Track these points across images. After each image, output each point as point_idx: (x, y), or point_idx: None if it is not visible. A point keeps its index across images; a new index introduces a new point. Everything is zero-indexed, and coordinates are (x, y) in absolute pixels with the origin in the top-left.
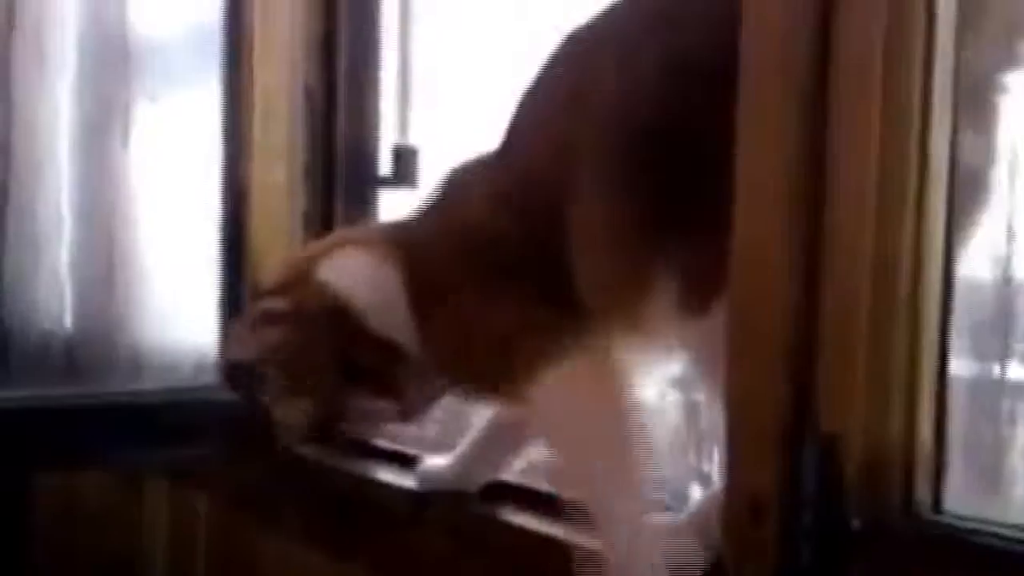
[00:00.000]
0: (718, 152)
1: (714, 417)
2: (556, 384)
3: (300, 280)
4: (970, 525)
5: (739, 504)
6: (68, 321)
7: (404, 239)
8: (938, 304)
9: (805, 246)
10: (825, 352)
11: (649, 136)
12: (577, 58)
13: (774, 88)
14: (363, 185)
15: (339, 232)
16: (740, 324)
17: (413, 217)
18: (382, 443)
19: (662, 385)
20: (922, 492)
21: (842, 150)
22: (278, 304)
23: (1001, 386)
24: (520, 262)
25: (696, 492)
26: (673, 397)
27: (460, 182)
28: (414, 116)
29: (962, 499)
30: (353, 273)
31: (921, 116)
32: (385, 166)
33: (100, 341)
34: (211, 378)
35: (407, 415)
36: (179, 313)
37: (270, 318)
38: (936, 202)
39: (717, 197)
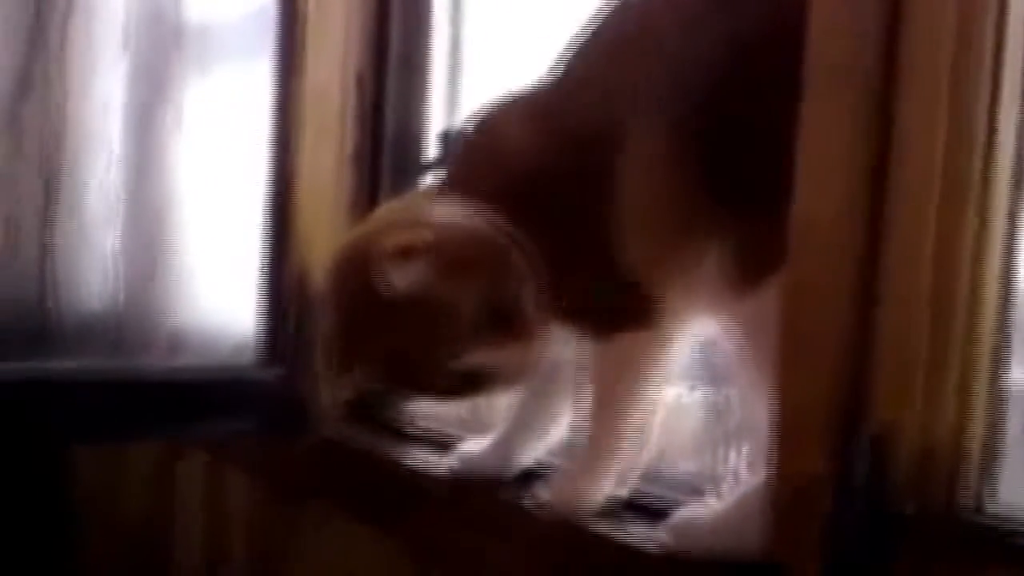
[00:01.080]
0: (774, 132)
1: (750, 409)
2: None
3: (414, 223)
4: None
5: (788, 491)
6: (116, 299)
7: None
8: (996, 303)
9: (866, 236)
10: (882, 342)
11: (708, 106)
12: (642, 16)
13: (841, 88)
14: (409, 169)
15: (403, 198)
16: (797, 310)
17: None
18: (418, 425)
19: (690, 379)
20: (973, 487)
21: (907, 147)
22: (419, 235)
23: None
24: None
25: (719, 490)
26: (701, 393)
27: (500, 123)
28: (463, 100)
29: (1015, 496)
30: (465, 214)
31: (988, 117)
32: (432, 151)
33: (146, 319)
34: (250, 357)
35: (527, 367)
36: (222, 294)
37: (408, 251)
38: (998, 205)
39: (772, 174)
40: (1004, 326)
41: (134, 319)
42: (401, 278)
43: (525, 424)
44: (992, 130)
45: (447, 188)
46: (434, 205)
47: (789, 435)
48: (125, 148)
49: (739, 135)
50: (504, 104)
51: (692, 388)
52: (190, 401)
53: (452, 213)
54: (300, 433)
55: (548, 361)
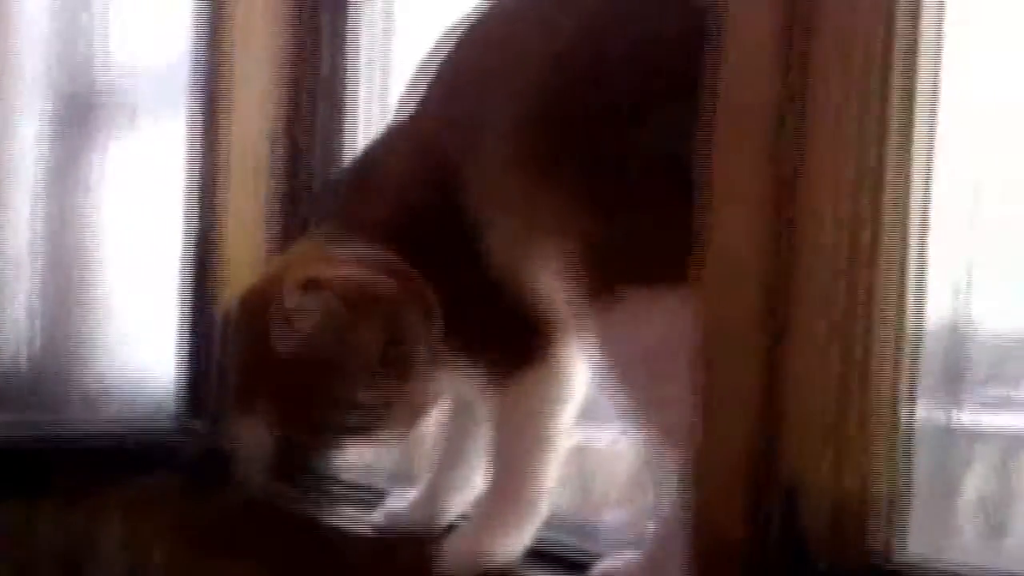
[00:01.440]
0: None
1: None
2: None
3: (315, 261)
4: (930, 570)
5: (706, 544)
6: (31, 352)
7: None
8: (902, 351)
9: (775, 282)
10: (790, 398)
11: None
12: (500, 42)
13: (750, 128)
14: None
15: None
16: (709, 364)
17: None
18: (344, 478)
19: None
20: (882, 537)
21: (814, 193)
22: (318, 271)
23: (953, 431)
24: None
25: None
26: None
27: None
28: None
29: (923, 544)
30: (364, 253)
31: (896, 159)
32: None
33: (63, 373)
34: (172, 412)
35: (419, 411)
36: (143, 348)
37: (307, 285)
38: (903, 248)
39: (626, 182)
40: (911, 373)
41: (50, 373)
42: (300, 313)
43: (448, 476)
44: (901, 173)
45: (343, 228)
46: (332, 246)
47: (705, 488)
48: (43, 200)
49: (584, 138)
50: (383, 137)
51: (625, 432)
52: (108, 458)
53: (351, 253)
54: (223, 490)
55: (440, 405)
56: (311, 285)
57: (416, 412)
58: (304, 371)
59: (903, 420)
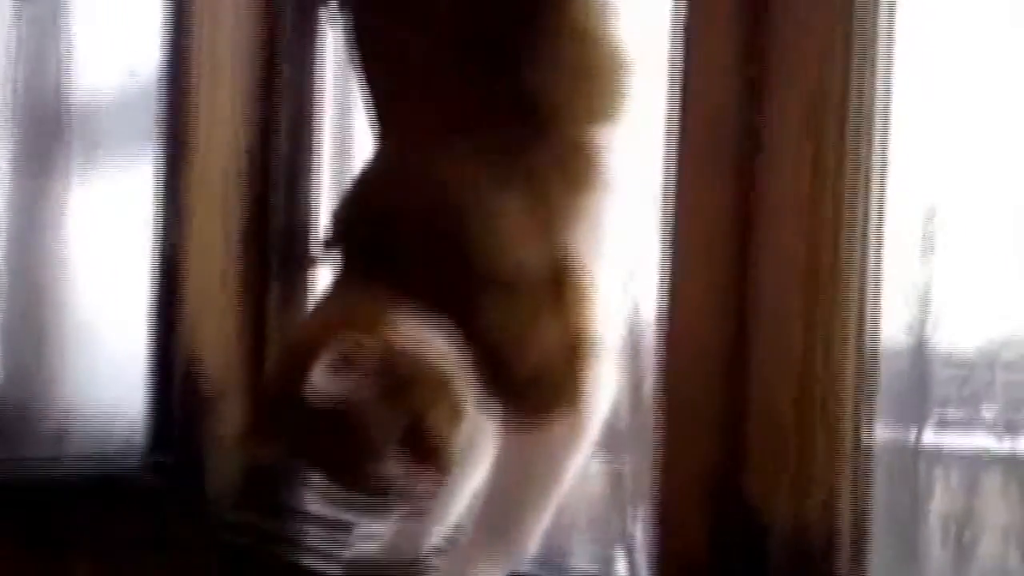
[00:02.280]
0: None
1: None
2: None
3: (355, 330)
4: None
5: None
6: None
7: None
8: (853, 393)
9: (734, 323)
10: (752, 427)
11: None
12: None
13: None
14: (298, 259)
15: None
16: (671, 403)
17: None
18: (316, 508)
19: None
20: (842, 560)
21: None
22: (360, 348)
23: (916, 452)
24: None
25: (622, 557)
26: (597, 464)
27: None
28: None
29: (883, 566)
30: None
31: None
32: (321, 237)
33: (28, 411)
34: (139, 447)
35: (434, 490)
36: (110, 388)
37: (347, 363)
38: (848, 306)
39: None
40: (866, 398)
41: (16, 409)
42: (332, 385)
43: (432, 512)
44: (855, 202)
45: (365, 280)
46: (366, 304)
47: (668, 517)
48: (8, 235)
49: None
50: (378, 180)
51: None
52: (75, 496)
53: (386, 320)
54: (191, 525)
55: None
56: (342, 361)
57: (426, 492)
58: (329, 428)
59: (863, 444)
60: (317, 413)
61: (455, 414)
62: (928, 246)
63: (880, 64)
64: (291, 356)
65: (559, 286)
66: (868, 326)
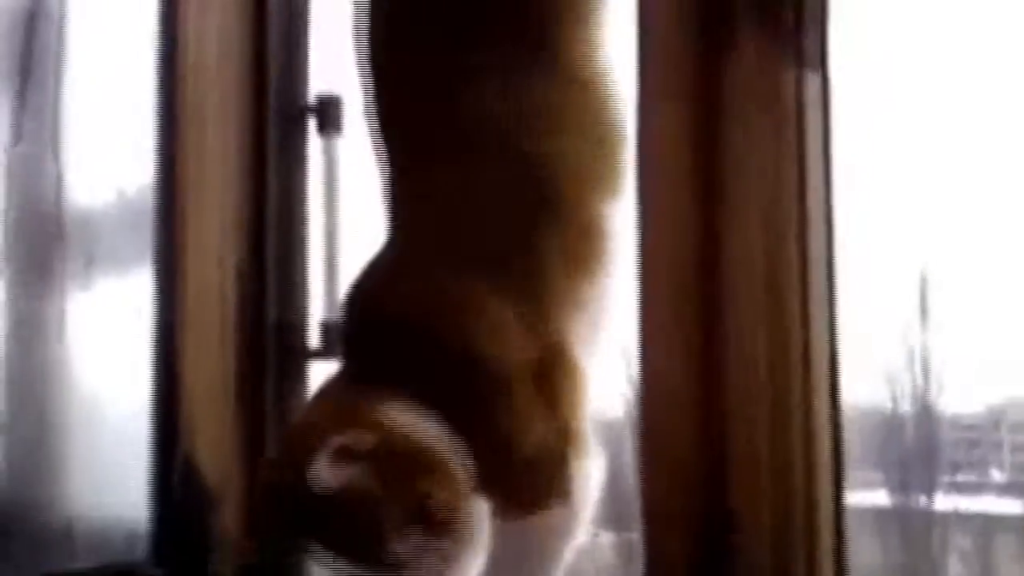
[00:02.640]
0: None
1: None
2: None
3: (354, 423)
4: None
5: None
6: None
7: None
8: (829, 458)
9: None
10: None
11: None
12: None
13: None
14: (293, 358)
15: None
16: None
17: None
18: None
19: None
20: None
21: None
22: (361, 439)
23: (929, 518)
24: None
25: None
26: (607, 537)
27: None
28: (341, 291)
29: None
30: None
31: (801, 310)
32: (314, 339)
33: (30, 518)
34: (143, 551)
35: (452, 562)
36: (111, 489)
37: (349, 454)
38: (822, 390)
39: None
40: (838, 473)
41: (18, 510)
42: (335, 475)
43: None
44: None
45: (359, 377)
46: (362, 399)
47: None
48: (8, 344)
49: None
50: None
51: (595, 535)
52: None
53: (383, 411)
54: None
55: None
56: (344, 453)
57: (447, 562)
58: (337, 514)
59: (841, 505)
60: (324, 501)
61: (459, 489)
62: (925, 311)
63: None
64: (291, 450)
65: (554, 376)
66: (837, 388)
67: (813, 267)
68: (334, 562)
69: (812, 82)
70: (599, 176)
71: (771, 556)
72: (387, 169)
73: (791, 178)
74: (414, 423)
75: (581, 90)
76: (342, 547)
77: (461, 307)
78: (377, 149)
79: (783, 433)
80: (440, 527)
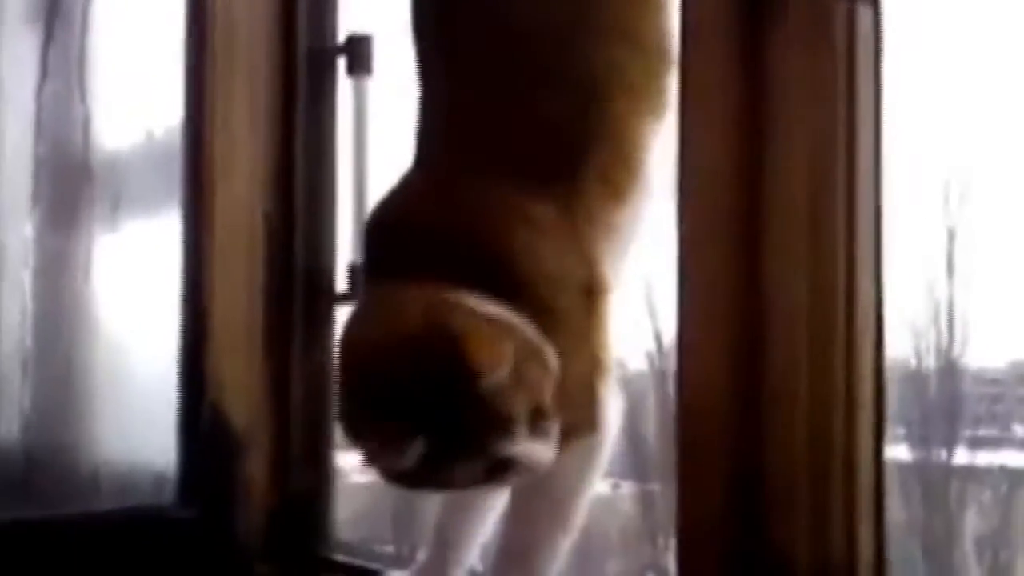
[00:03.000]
0: None
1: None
2: None
3: (492, 325)
4: None
5: None
6: (25, 441)
7: None
8: (871, 442)
9: (745, 371)
10: (770, 474)
11: None
12: None
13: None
14: (320, 302)
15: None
16: (689, 454)
17: None
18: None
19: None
20: None
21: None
22: (504, 349)
23: (949, 472)
24: None
25: None
26: (627, 488)
27: None
28: None
29: None
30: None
31: (846, 258)
32: (341, 283)
33: (58, 461)
34: (170, 494)
35: (546, 462)
36: (138, 433)
37: (496, 361)
38: (866, 345)
39: None
40: (879, 457)
41: (47, 458)
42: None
43: (446, 548)
44: (851, 270)
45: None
46: (469, 298)
47: (689, 563)
48: (37, 288)
49: None
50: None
51: (616, 486)
52: (108, 547)
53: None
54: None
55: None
56: (495, 360)
57: (539, 465)
58: (461, 421)
59: (881, 476)
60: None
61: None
62: (951, 266)
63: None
64: (427, 353)
65: (588, 306)
66: (879, 356)
67: (861, 214)
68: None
69: (864, 15)
70: (647, 94)
71: (808, 515)
72: (432, 81)
73: (840, 119)
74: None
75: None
76: (463, 437)
77: (518, 220)
78: (420, 61)
79: (824, 386)
80: (542, 432)
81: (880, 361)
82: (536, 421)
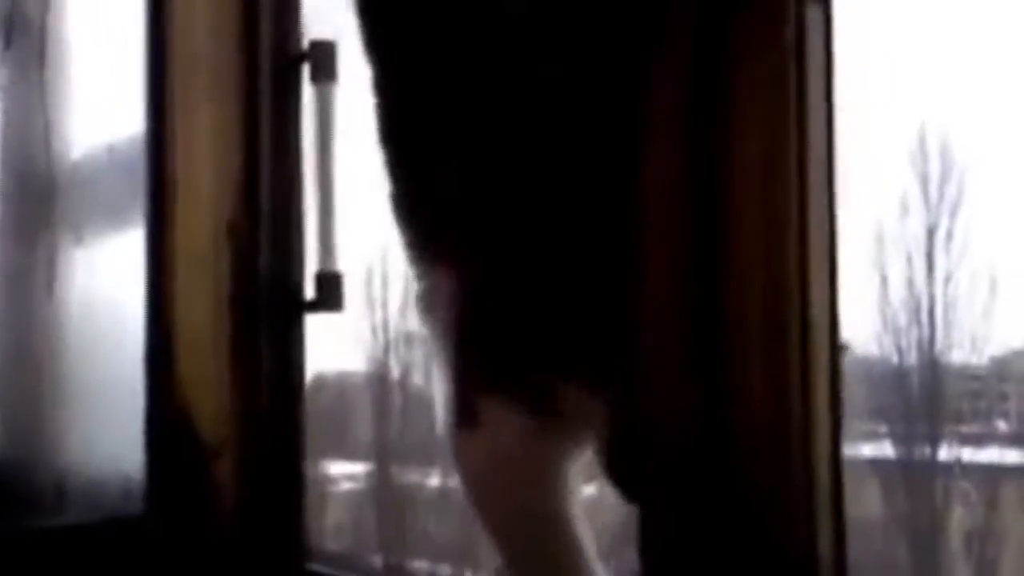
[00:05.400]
0: None
1: None
2: None
3: None
4: None
5: None
6: None
7: None
8: (828, 445)
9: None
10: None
11: None
12: None
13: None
14: (288, 310)
15: None
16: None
17: None
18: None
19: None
20: None
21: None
22: None
23: (933, 468)
24: None
25: None
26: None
27: None
28: (337, 242)
29: None
30: None
31: (799, 258)
32: (309, 291)
33: (25, 474)
34: (138, 507)
35: None
36: (106, 443)
37: None
38: (820, 347)
39: None
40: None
41: (14, 469)
42: None
43: None
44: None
45: None
46: None
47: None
48: (2, 300)
49: None
50: None
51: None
52: (76, 558)
53: None
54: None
55: None
56: None
57: None
58: None
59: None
60: None
61: None
62: (931, 264)
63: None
64: None
65: None
66: (835, 357)
67: (813, 216)
68: None
69: (815, 16)
70: None
71: (767, 516)
72: None
73: (791, 122)
74: None
75: None
76: None
77: None
78: None
79: (780, 387)
80: None
81: (836, 361)
82: None
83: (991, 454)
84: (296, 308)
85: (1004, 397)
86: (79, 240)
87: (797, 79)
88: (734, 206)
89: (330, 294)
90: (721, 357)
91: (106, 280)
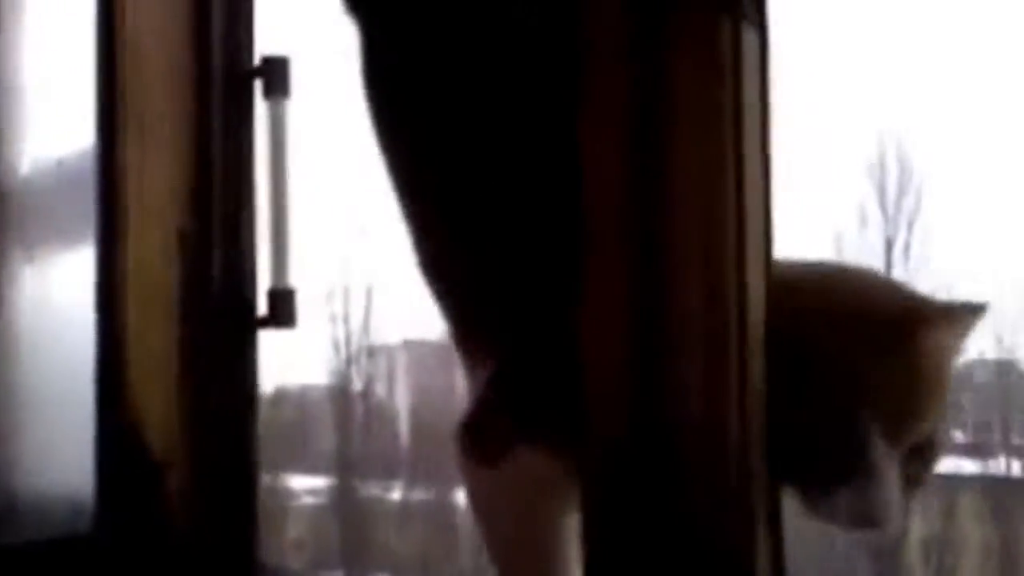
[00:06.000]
0: None
1: None
2: None
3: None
4: None
5: None
6: None
7: None
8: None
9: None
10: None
11: None
12: None
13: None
14: (241, 325)
15: None
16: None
17: None
18: None
19: None
20: None
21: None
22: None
23: None
24: None
25: None
26: None
27: None
28: (290, 258)
29: None
30: None
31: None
32: (262, 308)
33: None
34: (88, 525)
35: None
36: (55, 460)
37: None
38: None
39: None
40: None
41: None
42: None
43: None
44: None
45: None
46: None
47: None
48: None
49: None
50: None
51: None
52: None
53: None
54: None
55: None
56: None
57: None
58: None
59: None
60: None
61: None
62: (889, 271)
63: None
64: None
65: None
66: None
67: (750, 236)
68: None
69: (750, 37)
70: None
71: (705, 524)
72: None
73: (728, 137)
74: None
75: None
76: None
77: None
78: None
79: (718, 391)
80: None
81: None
82: None
83: (948, 464)
84: (249, 323)
85: (960, 408)
86: (29, 255)
87: (734, 98)
88: (675, 226)
89: (283, 310)
90: (659, 358)
91: (55, 295)
